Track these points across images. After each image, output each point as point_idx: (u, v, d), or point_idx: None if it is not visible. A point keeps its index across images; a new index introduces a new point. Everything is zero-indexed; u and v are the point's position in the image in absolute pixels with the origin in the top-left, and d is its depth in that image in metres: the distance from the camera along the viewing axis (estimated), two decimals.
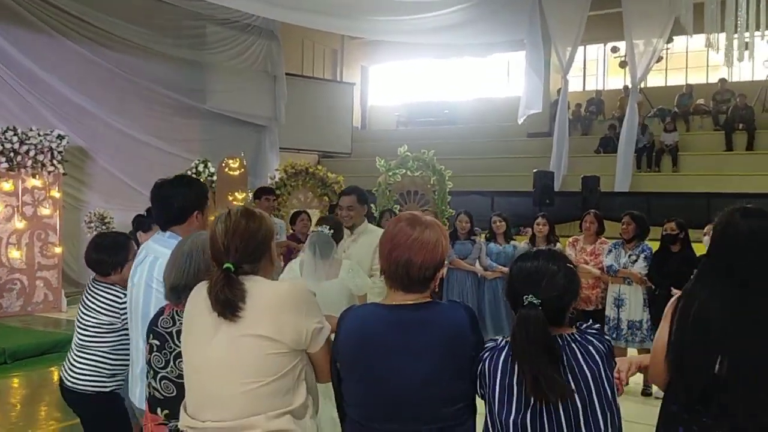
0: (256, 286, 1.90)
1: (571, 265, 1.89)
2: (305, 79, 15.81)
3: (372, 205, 10.04)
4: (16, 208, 7.75)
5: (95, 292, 3.14)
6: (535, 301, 1.77)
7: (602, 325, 5.90)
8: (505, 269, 6.37)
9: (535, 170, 12.04)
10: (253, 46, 13.62)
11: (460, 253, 6.61)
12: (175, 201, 2.63)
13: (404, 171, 10.22)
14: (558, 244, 6.45)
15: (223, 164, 8.81)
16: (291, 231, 7.11)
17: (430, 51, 17.49)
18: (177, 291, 2.20)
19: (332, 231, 3.81)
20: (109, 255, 3.16)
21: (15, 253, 7.75)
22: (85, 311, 3.13)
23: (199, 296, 1.95)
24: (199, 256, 2.21)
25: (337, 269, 3.79)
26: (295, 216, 7.12)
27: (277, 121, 14.27)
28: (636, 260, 5.66)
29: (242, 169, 8.98)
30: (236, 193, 8.23)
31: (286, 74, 14.48)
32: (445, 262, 5.95)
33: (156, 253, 2.59)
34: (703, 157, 13.77)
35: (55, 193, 8.14)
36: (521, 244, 6.62)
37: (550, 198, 11.57)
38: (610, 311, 5.82)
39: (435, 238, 1.90)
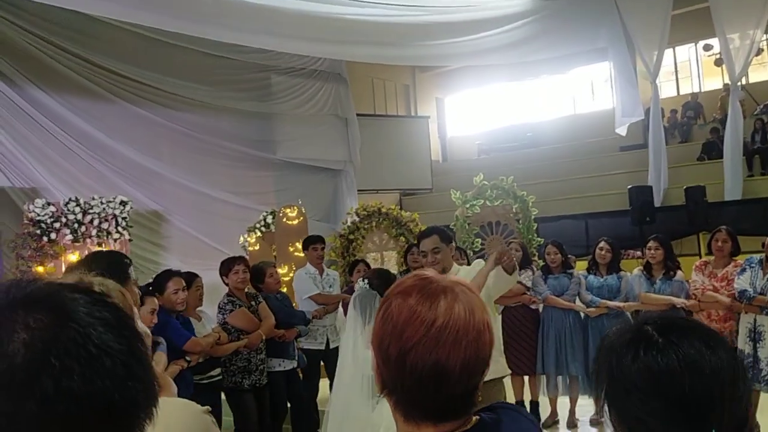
0: None
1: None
2: (377, 118, 15.44)
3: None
4: None
5: None
6: None
7: None
8: (612, 304, 5.50)
9: (629, 186, 10.98)
10: (321, 91, 13.38)
11: (554, 289, 5.77)
12: None
13: (483, 201, 9.48)
14: (680, 272, 5.47)
15: (281, 214, 8.40)
16: (351, 281, 6.51)
17: (504, 73, 16.78)
18: None
19: (370, 285, 3.19)
20: None
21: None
22: None
23: None
24: None
25: None
26: (353, 266, 6.51)
27: (353, 164, 13.89)
28: None
29: (301, 218, 8.54)
30: (297, 243, 7.77)
31: (358, 115, 14.14)
32: (537, 297, 5.11)
33: None
34: None
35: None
36: (634, 272, 5.64)
37: (650, 215, 10.46)
38: (744, 346, 4.78)
39: (478, 314, 1.14)
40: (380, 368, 1.17)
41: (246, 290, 5.02)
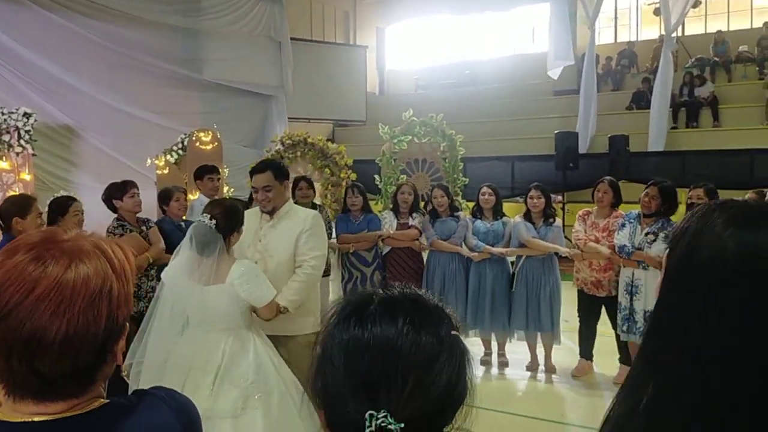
0: None
1: (456, 332, 0.98)
2: (314, 43, 14.97)
3: (376, 176, 9.28)
4: None
5: None
6: (389, 424, 0.87)
7: (615, 314, 5.05)
8: (496, 250, 5.53)
9: (556, 131, 11.06)
10: (254, 10, 12.82)
11: (441, 233, 5.76)
12: None
13: (410, 138, 9.38)
14: (557, 220, 5.54)
15: (194, 138, 8.07)
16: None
17: (448, 6, 16.46)
18: None
19: (215, 221, 3.00)
20: None
21: None
22: None
23: None
24: None
25: (226, 270, 2.98)
26: (295, 183, 6.16)
27: (284, 90, 13.49)
28: (654, 240, 4.74)
29: (216, 143, 8.24)
30: None
31: (293, 39, 13.66)
32: (422, 242, 4.98)
33: None
34: (746, 110, 12.53)
35: (26, 176, 7.57)
36: (514, 219, 5.68)
37: (574, 161, 10.61)
38: (622, 298, 4.95)
39: (96, 284, 0.97)
40: None
41: (137, 215, 4.78)
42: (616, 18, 16.80)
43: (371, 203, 6.72)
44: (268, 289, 3.05)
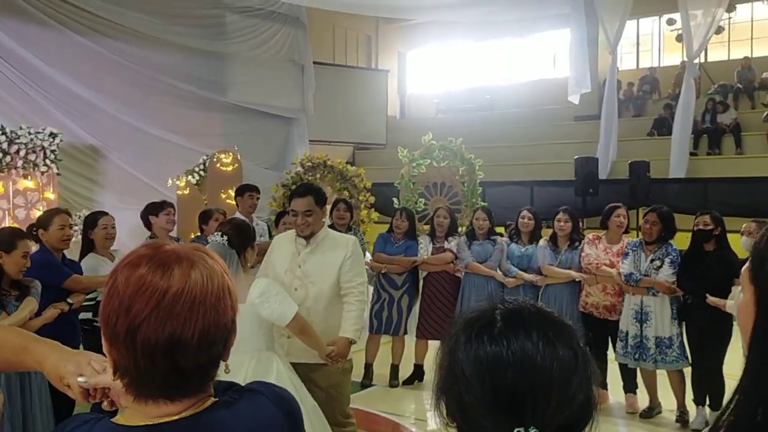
0: None
1: (586, 347, 0.98)
2: (336, 67, 15.12)
3: (395, 199, 9.30)
4: (7, 212, 7.35)
5: None
6: None
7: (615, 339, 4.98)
8: (528, 276, 5.49)
9: (576, 157, 11.02)
10: (278, 34, 13.00)
11: (478, 256, 5.75)
12: None
13: (429, 161, 9.41)
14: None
15: (214, 159, 8.18)
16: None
17: (468, 32, 16.56)
18: None
19: (226, 237, 3.03)
20: None
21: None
22: None
23: None
24: None
25: (245, 289, 2.97)
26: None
27: (306, 113, 13.62)
28: (660, 266, 4.71)
29: (236, 164, 8.33)
30: (230, 191, 7.58)
31: (316, 63, 13.81)
32: (460, 264, 4.92)
33: None
34: None
35: (50, 195, 7.71)
36: (540, 243, 5.63)
37: (593, 187, 10.55)
38: (630, 327, 4.88)
39: (217, 280, 1.06)
40: (109, 349, 1.04)
41: (169, 234, 4.95)
42: (638, 44, 16.78)
43: (386, 225, 6.74)
44: (290, 306, 3.02)
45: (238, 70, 12.39)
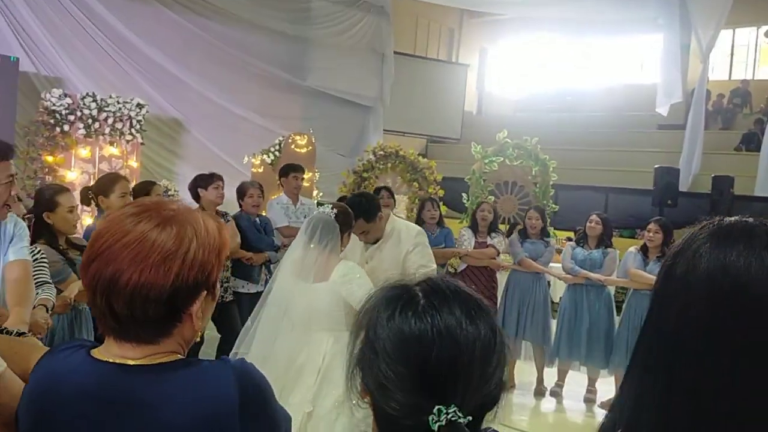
0: None
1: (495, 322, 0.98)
2: (415, 59, 15.09)
3: (464, 195, 9.24)
4: (92, 176, 7.68)
5: None
6: (459, 419, 0.87)
7: None
8: (594, 276, 5.41)
9: (656, 166, 10.66)
10: (361, 22, 13.08)
11: (530, 254, 5.71)
12: None
13: (502, 159, 9.30)
14: None
15: (289, 140, 8.30)
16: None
17: (554, 30, 16.23)
18: None
19: (335, 211, 3.10)
20: None
21: (88, 221, 7.70)
22: None
23: None
24: None
25: (332, 269, 3.04)
26: (376, 192, 6.17)
27: (383, 102, 13.67)
28: None
29: (310, 147, 8.44)
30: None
31: (396, 53, 13.84)
32: (500, 262, 4.94)
33: None
34: None
35: (133, 163, 8.01)
36: (630, 249, 5.50)
37: (673, 198, 10.18)
38: None
39: (176, 243, 1.10)
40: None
41: (217, 209, 4.93)
42: (732, 54, 16.07)
43: (456, 221, 6.72)
44: (369, 292, 3.08)
45: (320, 55, 12.54)
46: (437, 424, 0.87)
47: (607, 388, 5.52)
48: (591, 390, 5.58)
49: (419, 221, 6.21)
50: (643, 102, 14.22)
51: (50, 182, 7.35)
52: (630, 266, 5.28)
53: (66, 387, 1.11)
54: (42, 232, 3.25)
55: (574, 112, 16.43)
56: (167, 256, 1.09)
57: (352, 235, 3.66)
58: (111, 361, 1.12)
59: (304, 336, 3.01)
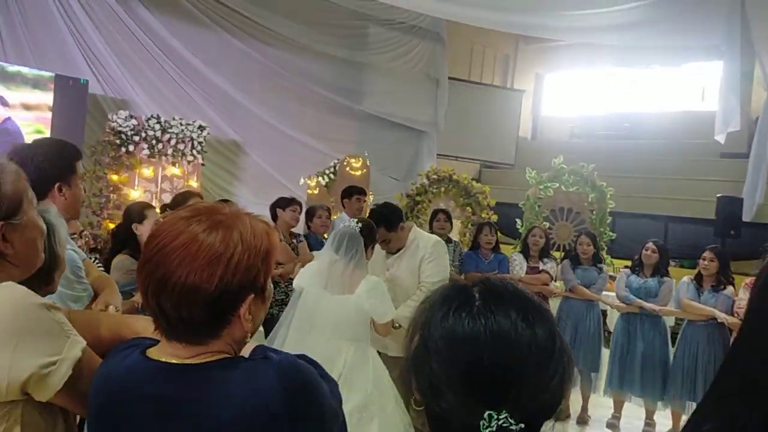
0: None
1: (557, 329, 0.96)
2: (470, 84, 15.10)
3: (518, 220, 9.16)
4: (154, 195, 7.94)
5: None
6: (511, 426, 0.85)
7: None
8: (648, 305, 5.28)
9: (718, 195, 10.35)
10: (417, 48, 13.21)
11: (582, 281, 5.61)
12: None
13: (558, 185, 9.20)
14: (730, 287, 5.18)
15: (344, 163, 8.40)
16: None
17: (613, 57, 16.01)
18: None
19: (360, 225, 3.17)
20: None
21: None
22: None
23: None
24: None
25: (357, 282, 3.12)
26: (432, 216, 6.24)
27: (437, 127, 13.72)
28: None
29: (365, 170, 8.53)
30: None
31: (451, 79, 13.90)
32: (554, 287, 4.94)
33: None
34: None
35: (193, 183, 8.24)
36: (683, 279, 5.37)
37: (735, 228, 9.87)
38: None
39: (221, 246, 1.12)
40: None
41: (291, 230, 5.14)
42: None
43: (510, 247, 6.66)
44: (391, 308, 3.24)
45: (375, 80, 12.69)
46: (488, 429, 0.85)
47: (666, 422, 5.33)
48: (649, 423, 5.41)
49: (475, 245, 6.18)
50: (704, 130, 13.84)
51: (114, 200, 7.63)
52: (682, 296, 5.16)
53: (119, 384, 1.16)
54: (128, 242, 3.49)
55: (632, 139, 16.10)
56: (212, 260, 1.11)
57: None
58: (163, 360, 1.16)
59: (328, 344, 3.09)
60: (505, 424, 0.85)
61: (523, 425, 0.86)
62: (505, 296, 0.95)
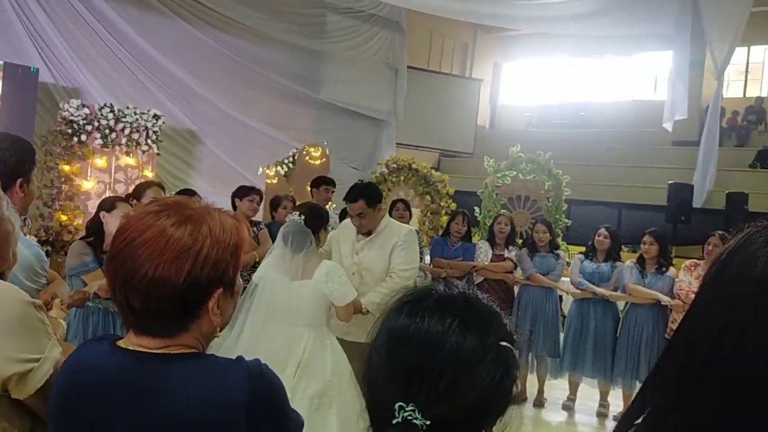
0: None
1: (507, 344, 0.95)
2: (429, 73, 15.14)
3: (476, 208, 9.24)
4: (108, 185, 7.78)
5: None
6: (415, 419, 0.87)
7: None
8: (600, 290, 5.41)
9: (670, 182, 10.63)
10: (376, 37, 13.16)
11: (539, 268, 5.70)
12: None
13: (515, 173, 9.32)
14: (672, 269, 5.36)
15: (304, 152, 8.37)
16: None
17: (569, 46, 16.25)
18: None
19: (304, 217, 3.18)
20: None
21: None
22: None
23: None
24: None
25: (314, 268, 3.14)
26: (392, 205, 6.30)
27: (396, 116, 13.73)
28: None
29: (324, 159, 8.50)
30: None
31: (410, 68, 13.91)
32: (515, 276, 4.99)
33: None
34: None
35: (148, 173, 8.10)
36: (626, 263, 5.54)
37: (686, 215, 10.15)
38: None
39: (190, 240, 1.12)
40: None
41: (250, 219, 5.11)
42: (747, 71, 16.03)
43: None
44: (350, 290, 3.24)
45: (333, 68, 12.63)
46: (394, 421, 0.87)
47: (619, 402, 5.49)
48: (603, 404, 5.56)
49: (446, 232, 6.23)
50: (656, 119, 14.16)
51: (66, 191, 7.45)
52: (627, 281, 5.32)
53: (83, 373, 1.17)
54: (99, 234, 3.48)
55: (588, 128, 16.42)
56: (181, 253, 1.11)
57: (347, 224, 3.76)
58: (130, 348, 1.16)
59: (287, 330, 3.11)
60: (409, 417, 0.87)
61: (428, 422, 0.87)
62: (453, 302, 0.97)
